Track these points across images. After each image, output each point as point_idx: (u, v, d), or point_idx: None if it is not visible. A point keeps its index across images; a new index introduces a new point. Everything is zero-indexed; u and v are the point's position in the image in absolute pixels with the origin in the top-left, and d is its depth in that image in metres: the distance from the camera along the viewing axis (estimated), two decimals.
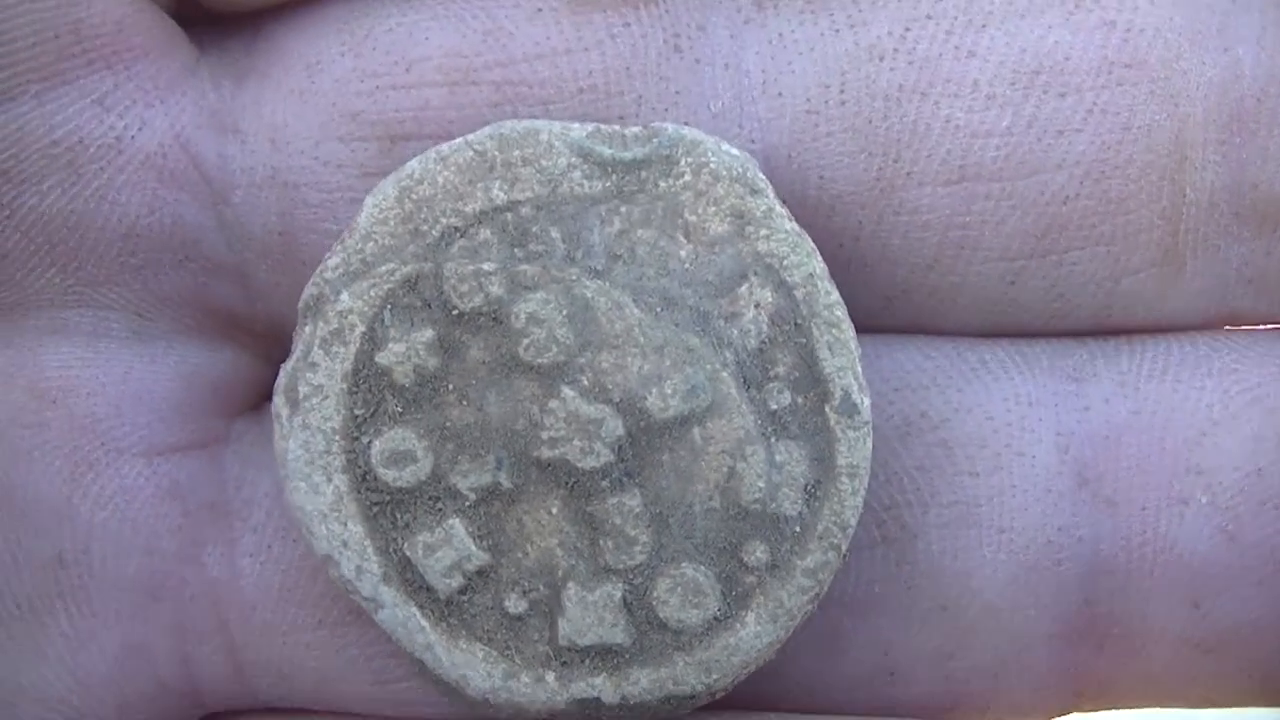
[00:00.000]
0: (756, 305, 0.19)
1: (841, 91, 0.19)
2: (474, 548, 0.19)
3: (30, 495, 0.20)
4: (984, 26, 0.19)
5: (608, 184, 0.19)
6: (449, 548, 0.19)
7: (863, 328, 0.20)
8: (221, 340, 0.21)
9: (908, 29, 0.19)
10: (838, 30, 0.19)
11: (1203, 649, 0.20)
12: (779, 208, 0.19)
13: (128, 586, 0.20)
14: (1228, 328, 0.21)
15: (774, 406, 0.19)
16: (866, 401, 0.19)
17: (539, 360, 0.19)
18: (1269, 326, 0.21)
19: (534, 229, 0.19)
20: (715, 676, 0.19)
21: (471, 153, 0.19)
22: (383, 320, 0.19)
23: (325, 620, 0.21)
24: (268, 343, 0.21)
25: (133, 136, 0.19)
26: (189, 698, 0.21)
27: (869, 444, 0.19)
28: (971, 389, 0.20)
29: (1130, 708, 0.21)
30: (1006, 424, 0.20)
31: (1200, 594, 0.20)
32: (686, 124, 0.19)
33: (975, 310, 0.20)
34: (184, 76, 0.20)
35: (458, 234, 0.19)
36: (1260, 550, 0.20)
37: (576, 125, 0.19)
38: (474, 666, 0.19)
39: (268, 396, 0.21)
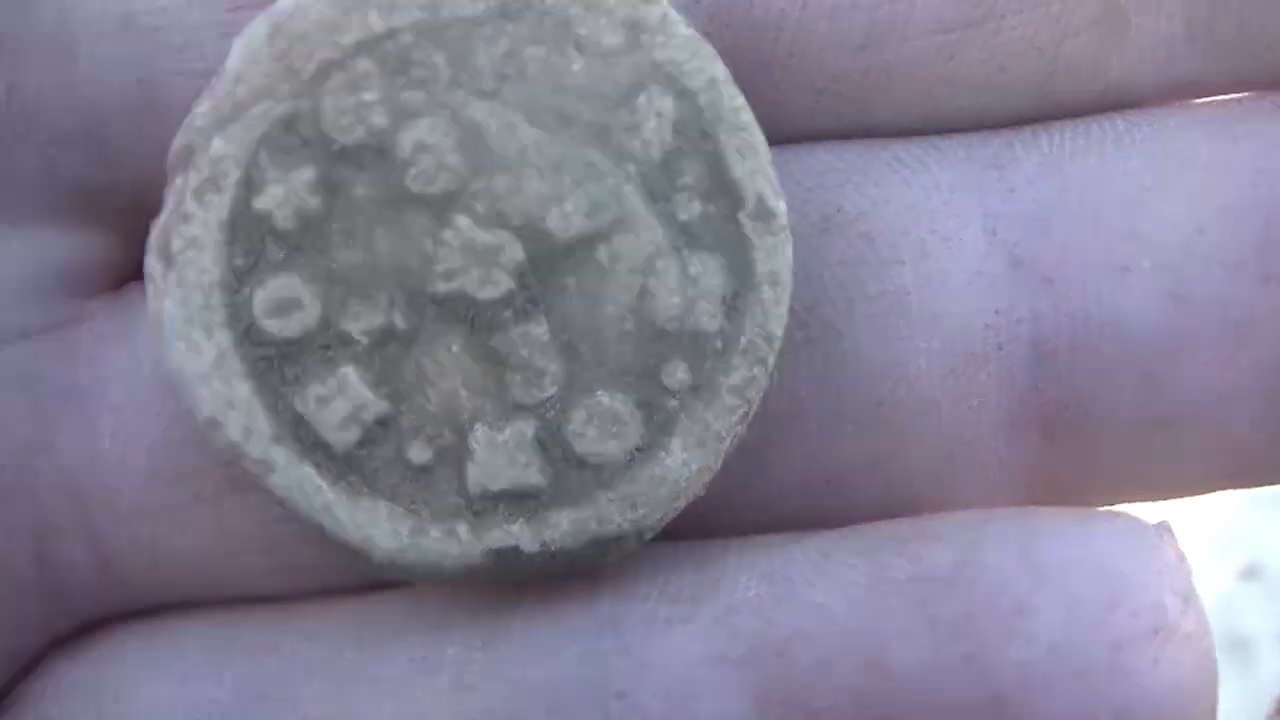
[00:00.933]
0: (657, 114, 0.18)
1: None
2: (370, 395, 0.18)
3: None
4: None
5: (491, 3, 0.18)
6: (343, 398, 0.18)
7: (793, 129, 0.19)
8: (75, 218, 0.19)
9: None
10: None
11: (1158, 424, 0.19)
12: (674, 14, 0.18)
13: None
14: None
15: (684, 217, 0.18)
16: (782, 205, 0.18)
17: (429, 190, 0.18)
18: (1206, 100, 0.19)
19: (416, 55, 0.18)
20: (642, 512, 0.17)
21: None
22: (259, 163, 0.18)
23: (201, 494, 0.19)
24: (129, 218, 0.20)
25: None
26: (53, 602, 0.19)
27: (789, 250, 0.18)
28: (889, 182, 0.19)
29: (1086, 503, 0.19)
30: (929, 211, 0.19)
31: (1152, 365, 0.18)
32: None
33: (911, 94, 0.19)
34: None
35: (335, 67, 0.18)
36: (1210, 311, 0.18)
37: None
38: (378, 525, 0.17)
39: (129, 277, 0.20)
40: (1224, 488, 0.19)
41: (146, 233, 0.19)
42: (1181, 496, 0.20)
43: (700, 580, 0.18)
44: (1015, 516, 0.18)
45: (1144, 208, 0.19)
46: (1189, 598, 0.17)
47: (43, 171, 0.19)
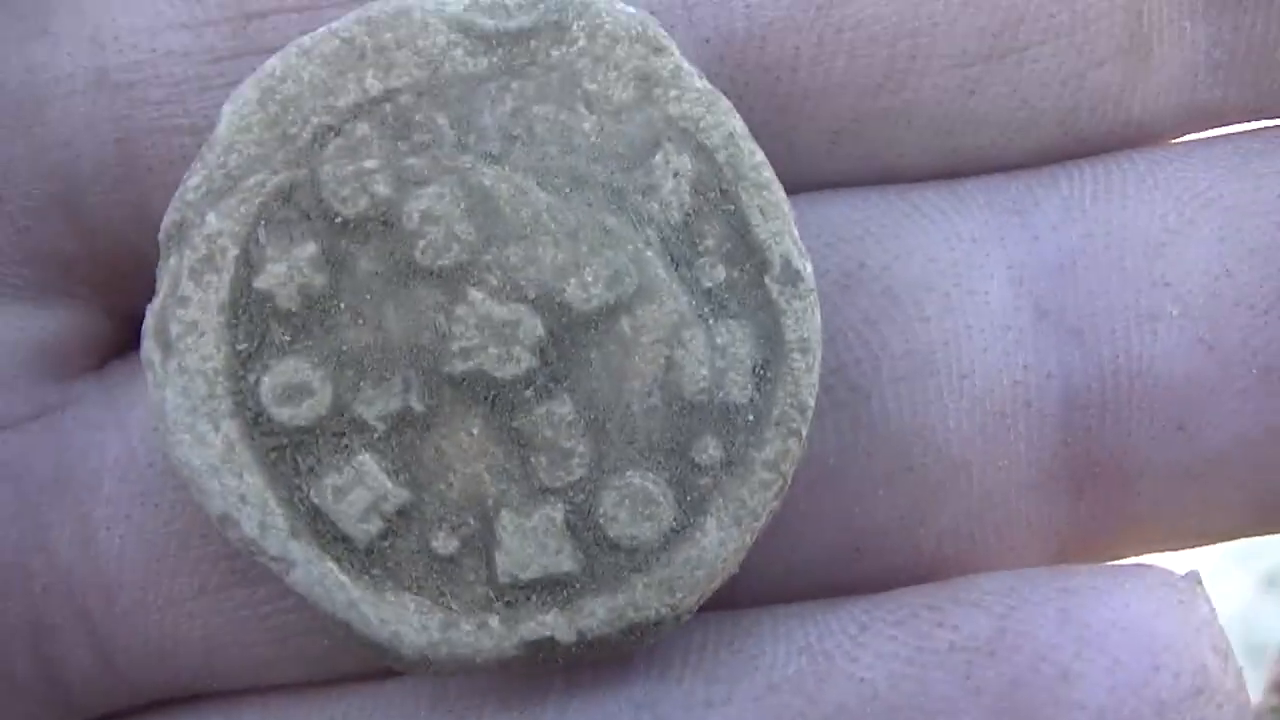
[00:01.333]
0: (675, 174, 0.17)
1: None
2: (390, 484, 0.17)
3: None
4: None
5: (494, 59, 0.17)
6: (362, 488, 0.17)
7: (808, 174, 0.18)
8: (51, 294, 0.19)
9: None
10: None
11: (1191, 475, 0.18)
12: (687, 65, 0.17)
13: None
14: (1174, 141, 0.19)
15: (708, 284, 0.17)
16: (809, 267, 0.17)
17: (439, 263, 0.17)
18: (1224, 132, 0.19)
19: (417, 117, 0.17)
20: (679, 595, 0.17)
21: (338, 41, 0.17)
22: (258, 240, 0.17)
23: (206, 586, 0.18)
24: (109, 289, 0.19)
25: None
26: (56, 702, 0.19)
27: (817, 314, 0.17)
28: (909, 233, 0.18)
29: (1117, 557, 0.19)
30: (952, 264, 0.18)
31: (1185, 414, 0.18)
32: None
33: (933, 132, 0.18)
34: None
35: (332, 133, 0.17)
36: (1241, 355, 0.18)
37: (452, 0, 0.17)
38: (406, 620, 0.17)
39: (113, 353, 0.19)
40: (1256, 534, 0.19)
41: (128, 305, 0.18)
42: (1212, 544, 0.19)
43: (736, 657, 0.17)
44: (1050, 578, 0.17)
45: (1170, 252, 0.18)
46: (1227, 655, 0.17)
47: (15, 244, 0.18)
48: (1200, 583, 0.17)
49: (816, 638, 0.17)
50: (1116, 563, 0.18)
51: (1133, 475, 0.18)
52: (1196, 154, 0.19)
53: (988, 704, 0.17)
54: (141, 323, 0.19)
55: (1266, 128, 0.19)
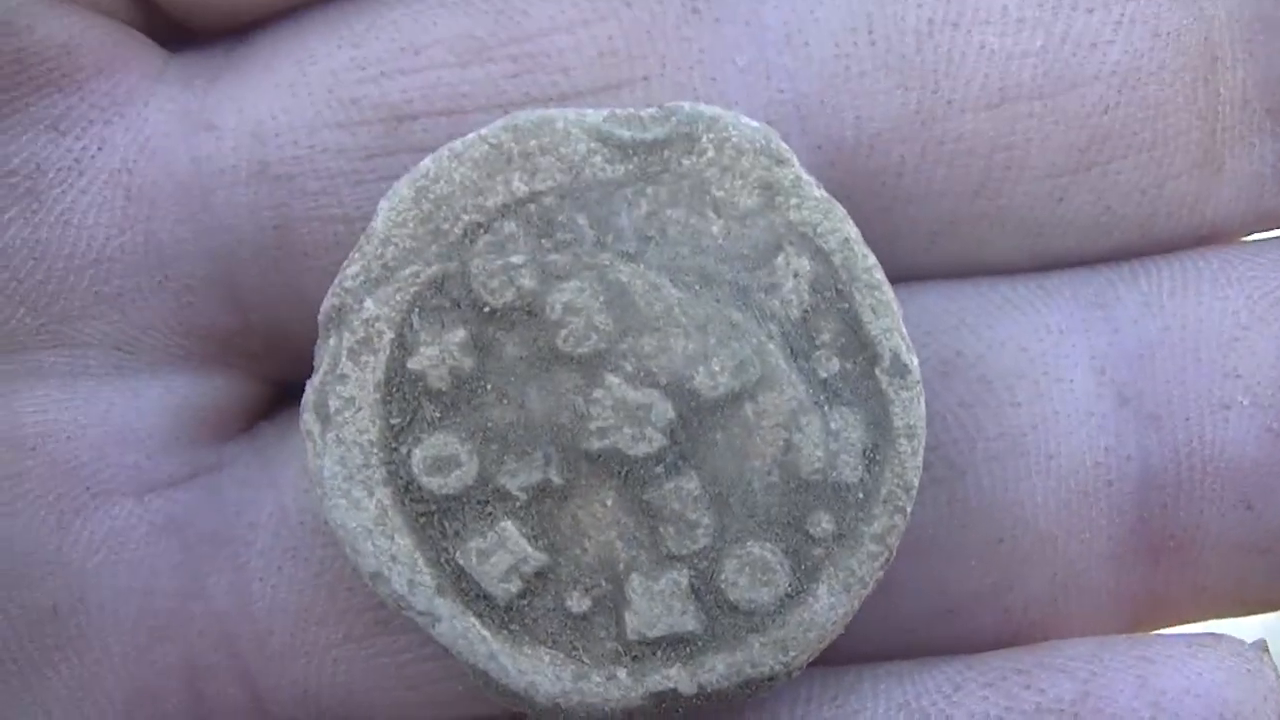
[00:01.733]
0: (795, 274, 0.19)
1: (870, 32, 0.19)
2: (530, 549, 0.18)
3: (17, 548, 0.19)
4: None
5: (630, 166, 0.19)
6: (504, 551, 0.18)
7: (907, 268, 0.20)
8: (209, 363, 0.20)
9: None
10: None
11: (1258, 550, 0.20)
12: (805, 175, 0.19)
13: (130, 630, 0.20)
14: (1241, 240, 0.21)
15: (824, 374, 0.19)
16: (915, 361, 0.19)
17: (579, 350, 0.18)
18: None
19: (560, 218, 0.18)
20: (792, 654, 0.19)
21: (486, 146, 0.19)
22: (411, 324, 0.18)
23: (350, 634, 0.20)
24: (260, 360, 0.20)
25: (92, 156, 0.19)
26: None
27: (922, 403, 0.19)
28: (1002, 324, 0.20)
29: (1187, 621, 0.21)
30: (1041, 353, 0.20)
31: (1252, 495, 0.20)
32: (714, 79, 0.19)
33: (1023, 234, 0.20)
34: (147, 85, 0.19)
35: (481, 230, 0.18)
36: None
37: (590, 111, 0.19)
38: (541, 672, 0.18)
39: (260, 417, 0.20)
40: None
41: (278, 374, 0.20)
42: (1272, 611, 0.21)
43: (840, 712, 0.19)
44: (1129, 646, 0.19)
45: (1242, 345, 0.20)
46: None
47: (179, 318, 0.20)
48: (1266, 651, 0.19)
49: (914, 695, 0.19)
50: (1190, 631, 0.19)
51: (1204, 549, 0.20)
52: (1267, 254, 0.20)
53: None
54: (288, 390, 0.20)
55: None
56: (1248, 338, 0.20)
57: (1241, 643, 0.19)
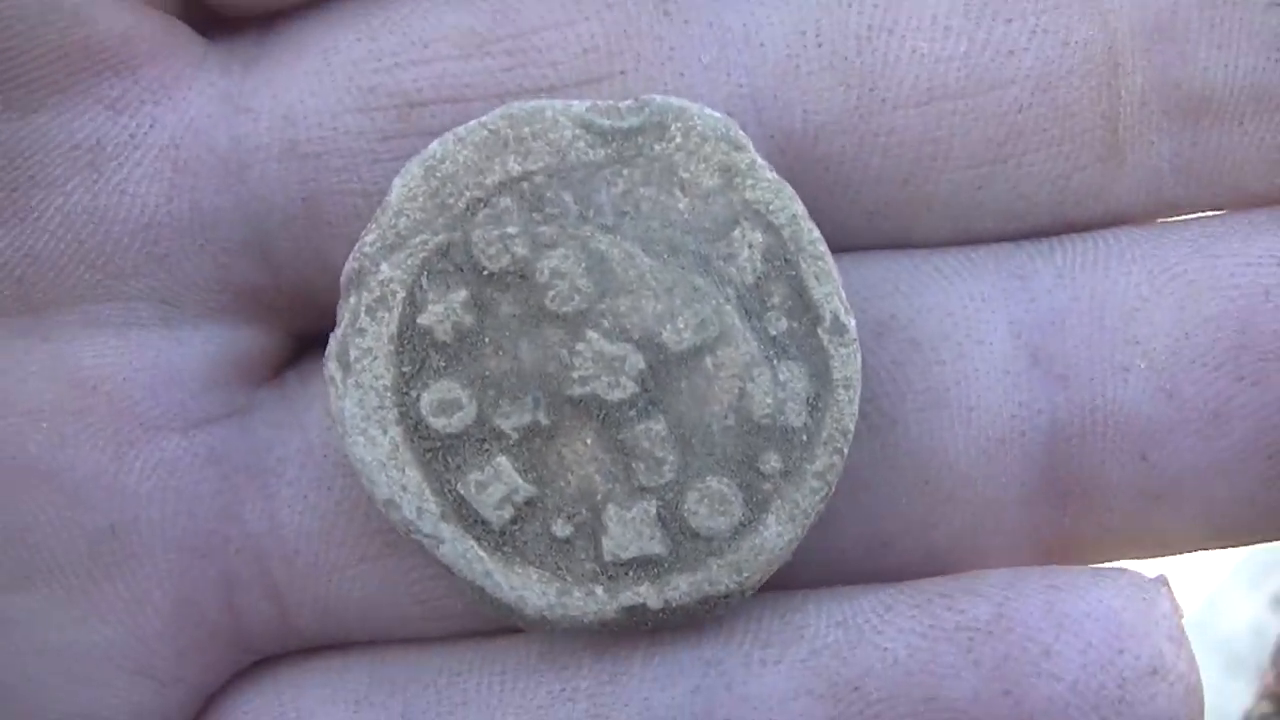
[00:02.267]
0: (750, 246, 0.22)
1: (817, 36, 0.22)
2: (521, 481, 0.21)
3: (80, 475, 0.22)
4: None
5: (609, 151, 0.21)
6: (498, 483, 0.21)
7: (848, 241, 0.22)
8: (243, 317, 0.23)
9: None
10: None
11: (1153, 497, 0.22)
12: (760, 160, 0.22)
13: (176, 548, 0.22)
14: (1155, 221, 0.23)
15: (774, 332, 0.22)
16: (853, 322, 0.22)
17: (564, 309, 0.21)
18: (1191, 217, 0.23)
19: (548, 194, 0.21)
20: (745, 575, 0.22)
21: (486, 132, 0.21)
22: (421, 285, 0.21)
23: (366, 555, 0.23)
24: (288, 316, 0.23)
25: (145, 133, 0.21)
26: (240, 644, 0.23)
27: (858, 359, 0.22)
28: (931, 292, 0.23)
29: (1095, 561, 0.23)
30: (965, 318, 0.22)
31: (1147, 448, 0.22)
32: (681, 74, 0.22)
33: (948, 216, 0.23)
34: (190, 71, 0.22)
35: (481, 204, 0.21)
36: (1196, 404, 0.22)
37: (575, 102, 0.22)
38: (530, 588, 0.21)
39: (286, 366, 0.23)
40: (1212, 547, 0.23)
41: (302, 329, 0.23)
42: (1176, 554, 0.23)
43: (787, 628, 0.22)
44: (1041, 575, 0.21)
45: (1141, 315, 0.22)
46: (1182, 643, 0.20)
47: (216, 277, 0.23)
48: (1166, 584, 0.21)
49: (851, 614, 0.22)
50: (1098, 566, 0.22)
51: (1106, 495, 0.22)
52: (1168, 235, 0.23)
53: (984, 672, 0.21)
54: (309, 343, 0.23)
55: (1225, 214, 0.23)
56: (1147, 308, 0.22)
57: (1142, 576, 0.21)
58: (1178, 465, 0.22)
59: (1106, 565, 0.22)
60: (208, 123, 0.22)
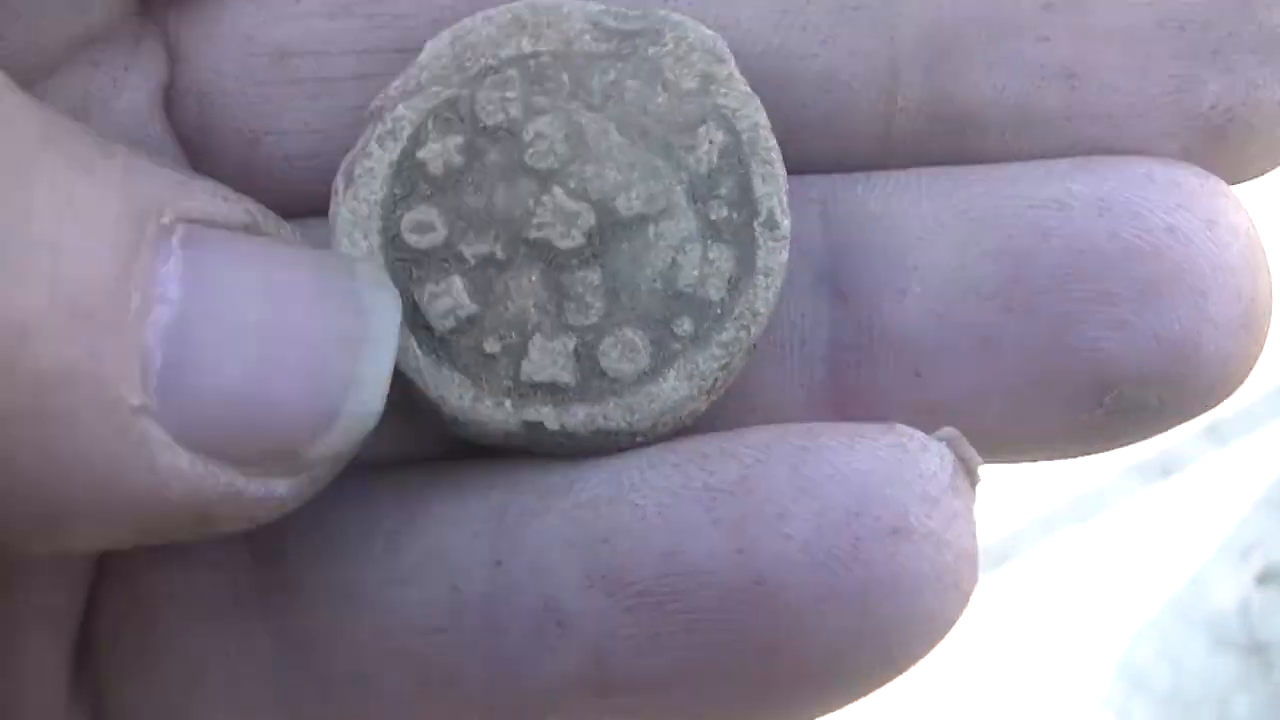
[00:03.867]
0: (710, 142, 0.25)
1: None
2: (467, 300, 0.24)
3: None
4: None
5: (610, 46, 0.25)
6: (448, 297, 0.24)
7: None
8: None
9: None
10: None
11: (926, 410, 0.23)
12: (738, 74, 0.25)
13: None
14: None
15: (714, 217, 0.24)
16: (787, 222, 0.24)
17: (539, 165, 0.25)
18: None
19: (549, 72, 0.25)
20: (636, 417, 0.24)
21: (510, 15, 0.25)
22: (426, 127, 0.25)
23: None
24: None
25: (122, 75, 0.26)
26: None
27: (785, 254, 0.24)
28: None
29: None
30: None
31: (919, 365, 0.24)
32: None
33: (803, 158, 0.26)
34: (149, 40, 0.26)
35: (492, 71, 0.25)
36: (964, 328, 0.23)
37: (592, 3, 0.25)
38: (450, 390, 0.24)
39: None
40: (987, 462, 0.24)
41: None
42: None
43: (563, 481, 0.23)
44: (799, 435, 0.22)
45: (923, 244, 0.24)
46: (935, 503, 0.20)
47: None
48: (944, 442, 0.22)
49: (619, 471, 0.23)
50: (869, 423, 0.22)
51: (883, 407, 0.24)
52: (968, 175, 0.24)
53: (724, 532, 0.21)
54: None
55: (1031, 161, 0.25)
56: (930, 238, 0.24)
57: (913, 433, 0.21)
58: (949, 384, 0.24)
59: (878, 423, 0.22)
60: (160, 68, 0.26)
